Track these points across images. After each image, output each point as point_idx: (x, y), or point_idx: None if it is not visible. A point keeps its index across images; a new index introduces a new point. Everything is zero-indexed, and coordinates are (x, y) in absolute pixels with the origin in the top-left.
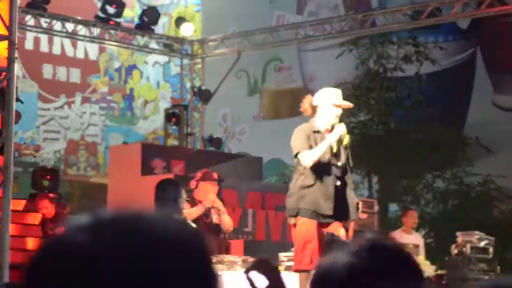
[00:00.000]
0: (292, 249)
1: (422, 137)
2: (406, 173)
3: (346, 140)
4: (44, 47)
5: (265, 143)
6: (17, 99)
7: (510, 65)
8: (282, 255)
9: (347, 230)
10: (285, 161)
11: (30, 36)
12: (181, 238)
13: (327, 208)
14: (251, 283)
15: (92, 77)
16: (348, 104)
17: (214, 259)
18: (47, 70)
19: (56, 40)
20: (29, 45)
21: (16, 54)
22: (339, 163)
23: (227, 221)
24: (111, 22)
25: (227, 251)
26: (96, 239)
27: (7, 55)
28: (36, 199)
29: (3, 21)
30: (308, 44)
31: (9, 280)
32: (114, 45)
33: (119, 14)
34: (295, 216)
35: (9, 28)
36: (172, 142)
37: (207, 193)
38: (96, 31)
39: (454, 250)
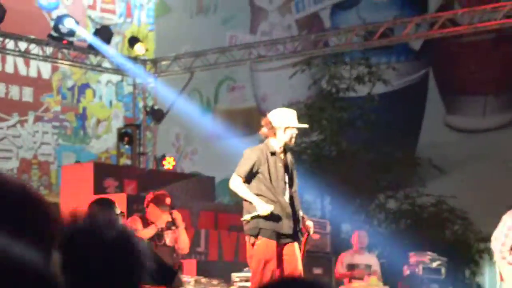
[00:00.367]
0: (246, 269)
1: (374, 158)
2: (359, 193)
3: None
4: None
5: (217, 163)
6: None
7: (462, 85)
8: (235, 276)
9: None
10: None
11: None
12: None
13: (287, 227)
14: None
15: (45, 96)
16: (304, 126)
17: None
18: None
19: (9, 58)
20: None
21: None
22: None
23: (183, 242)
24: (64, 41)
25: (179, 271)
26: None
27: None
28: None
29: None
30: (261, 64)
31: None
32: (67, 64)
33: (72, 33)
34: (256, 236)
35: None
36: (124, 161)
37: (159, 216)
38: (49, 50)
39: (406, 271)
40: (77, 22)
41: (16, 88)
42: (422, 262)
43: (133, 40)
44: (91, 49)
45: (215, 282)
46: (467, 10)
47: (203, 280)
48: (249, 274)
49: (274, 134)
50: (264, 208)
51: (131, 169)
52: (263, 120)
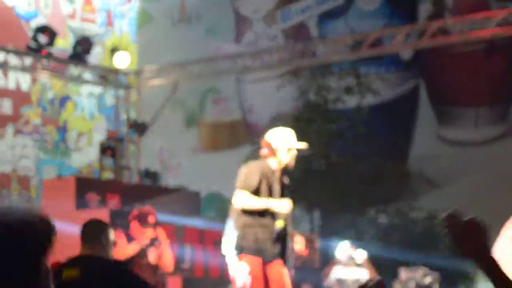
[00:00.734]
0: (230, 286)
1: (364, 171)
2: (349, 208)
3: (281, 224)
4: None
5: (203, 177)
6: None
7: (454, 97)
8: None
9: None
10: (223, 195)
11: None
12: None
13: (269, 246)
14: None
15: (25, 108)
16: (303, 145)
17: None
18: None
19: None
20: None
21: None
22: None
23: (167, 260)
24: (43, 52)
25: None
26: None
27: None
28: None
29: None
30: (247, 75)
31: None
32: (46, 75)
33: (51, 43)
34: (239, 254)
35: None
36: (107, 175)
37: (142, 233)
38: (28, 61)
39: (397, 287)
40: (57, 32)
41: None
42: (414, 277)
43: (114, 51)
44: (71, 60)
45: None
46: (458, 18)
47: None
48: None
49: (275, 154)
50: (282, 205)
51: (114, 183)
52: (263, 141)
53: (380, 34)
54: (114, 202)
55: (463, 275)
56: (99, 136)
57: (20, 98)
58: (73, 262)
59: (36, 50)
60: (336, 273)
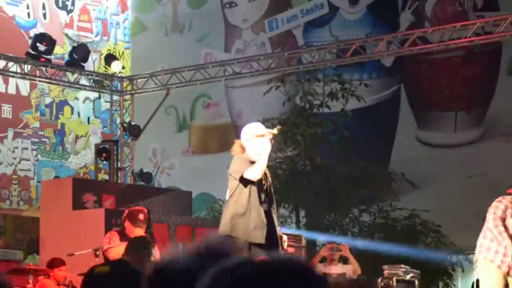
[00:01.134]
0: None
1: (348, 172)
2: (333, 207)
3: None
4: None
5: (194, 178)
6: None
7: (433, 102)
8: None
9: None
10: (214, 195)
11: None
12: None
13: (260, 236)
14: None
15: (24, 112)
16: (271, 131)
17: None
18: None
19: None
20: None
21: None
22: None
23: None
24: (42, 59)
25: None
26: None
27: None
28: None
29: None
30: (236, 81)
31: None
32: (45, 82)
33: (49, 51)
34: None
35: None
36: (102, 176)
37: (134, 232)
38: (27, 67)
39: (381, 283)
40: (55, 40)
41: None
42: (395, 274)
43: (109, 58)
44: (68, 66)
45: None
46: (437, 28)
47: None
48: None
49: (244, 150)
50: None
51: (109, 184)
52: (236, 144)
53: (363, 42)
54: (109, 202)
55: (442, 271)
56: (95, 139)
57: (19, 103)
58: (108, 262)
59: (35, 57)
60: (322, 268)
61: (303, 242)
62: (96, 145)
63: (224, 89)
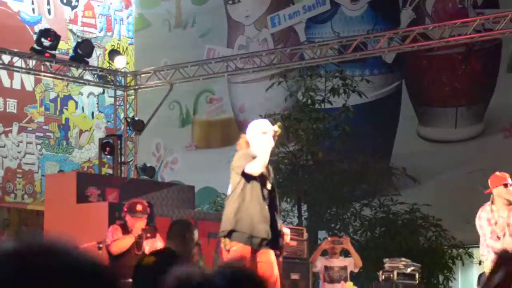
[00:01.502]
0: None
1: (349, 167)
2: (335, 202)
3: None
4: None
5: (197, 172)
6: None
7: (433, 97)
8: None
9: (278, 257)
10: (216, 190)
11: None
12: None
13: (264, 230)
14: None
15: (29, 107)
16: (274, 128)
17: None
18: None
19: None
20: None
21: None
22: (269, 188)
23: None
24: (47, 54)
25: None
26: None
27: None
28: None
29: None
30: (238, 77)
31: None
32: (50, 77)
33: (54, 46)
34: (229, 238)
35: None
36: (106, 171)
37: (134, 224)
38: (32, 63)
39: (382, 276)
40: (59, 36)
41: (0, 100)
42: (396, 267)
43: (113, 53)
44: (73, 61)
45: None
46: (437, 25)
47: None
48: None
49: (251, 146)
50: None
51: (112, 178)
52: (242, 139)
53: (364, 39)
54: (113, 196)
55: (442, 264)
56: (99, 134)
57: (24, 97)
58: (155, 252)
59: (40, 53)
60: (324, 261)
61: (305, 236)
62: (100, 140)
63: (227, 85)
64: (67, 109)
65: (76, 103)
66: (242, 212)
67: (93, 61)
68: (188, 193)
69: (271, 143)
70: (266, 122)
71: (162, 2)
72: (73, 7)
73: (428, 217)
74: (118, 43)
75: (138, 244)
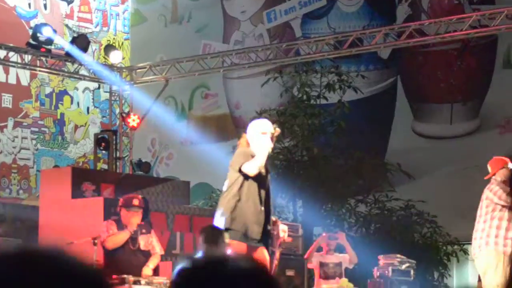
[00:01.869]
0: None
1: (344, 163)
2: (330, 198)
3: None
4: None
5: (192, 168)
6: None
7: (428, 93)
8: None
9: (272, 254)
10: (212, 185)
11: None
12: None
13: (256, 232)
14: None
15: (24, 102)
16: (275, 130)
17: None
18: None
19: None
20: None
21: None
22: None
23: (156, 248)
24: (42, 49)
25: (155, 273)
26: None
27: None
28: None
29: None
30: (234, 72)
31: None
32: (45, 72)
33: (49, 41)
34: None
35: None
36: (101, 166)
37: (129, 219)
38: (27, 57)
39: (377, 273)
40: (55, 31)
41: None
42: (391, 264)
43: (109, 48)
44: (68, 56)
45: None
46: (433, 20)
47: None
48: None
49: (250, 145)
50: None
51: (108, 173)
52: (243, 138)
53: (360, 34)
54: (108, 191)
55: (437, 261)
56: (94, 129)
57: (20, 92)
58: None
59: (35, 48)
60: (319, 257)
61: (300, 232)
62: (95, 135)
63: (223, 80)
64: (62, 104)
65: (72, 98)
66: (237, 211)
67: (88, 56)
68: (183, 189)
69: (270, 144)
70: (266, 123)
71: None
72: (69, 2)
73: (423, 213)
74: (114, 38)
75: (133, 239)
